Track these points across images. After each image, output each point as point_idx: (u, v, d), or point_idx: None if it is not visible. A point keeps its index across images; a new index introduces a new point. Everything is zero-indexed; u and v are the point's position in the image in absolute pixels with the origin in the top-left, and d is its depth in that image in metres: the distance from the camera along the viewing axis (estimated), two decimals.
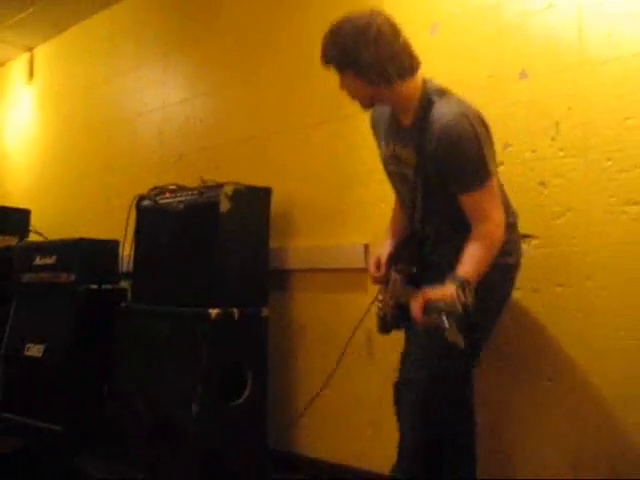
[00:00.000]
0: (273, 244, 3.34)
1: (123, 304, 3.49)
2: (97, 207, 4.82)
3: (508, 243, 2.16)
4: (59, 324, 3.83)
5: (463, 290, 1.90)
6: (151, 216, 3.39)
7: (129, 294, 3.65)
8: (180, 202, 3.23)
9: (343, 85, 2.20)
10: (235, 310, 3.02)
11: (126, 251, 3.57)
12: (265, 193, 3.27)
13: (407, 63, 2.10)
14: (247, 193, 3.15)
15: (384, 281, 2.36)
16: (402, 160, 2.23)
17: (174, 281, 3.22)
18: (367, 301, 2.97)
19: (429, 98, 2.12)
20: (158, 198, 3.37)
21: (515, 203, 2.35)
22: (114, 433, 3.33)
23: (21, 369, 4.01)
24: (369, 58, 2.04)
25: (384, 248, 2.42)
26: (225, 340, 3.00)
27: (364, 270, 3.07)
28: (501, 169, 2.45)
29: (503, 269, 2.18)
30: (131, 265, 3.51)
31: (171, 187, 3.39)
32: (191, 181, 3.38)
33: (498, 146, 2.45)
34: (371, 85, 2.11)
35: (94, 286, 3.85)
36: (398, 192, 2.39)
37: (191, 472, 2.88)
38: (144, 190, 3.49)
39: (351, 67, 2.10)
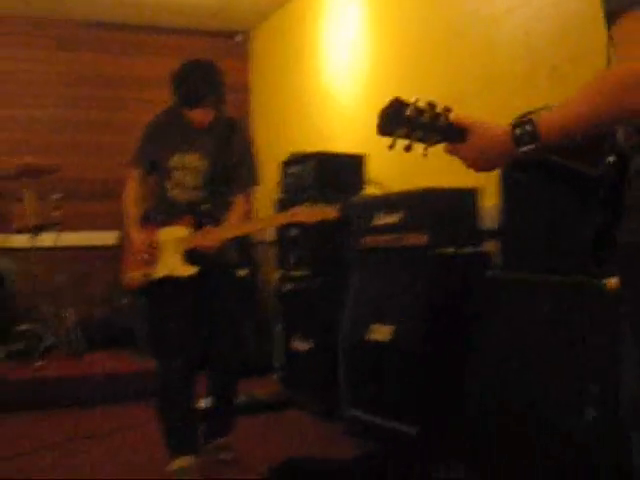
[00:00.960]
0: None
1: (488, 272, 3.63)
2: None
3: None
4: (408, 299, 4.13)
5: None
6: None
7: (496, 259, 3.78)
8: None
9: None
10: None
11: (489, 202, 3.68)
12: None
13: None
14: None
15: None
16: None
17: (557, 243, 3.26)
18: None
19: None
20: None
21: None
22: (482, 440, 3.51)
23: (365, 357, 4.43)
24: None
25: None
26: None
27: None
28: None
29: None
30: (497, 221, 3.61)
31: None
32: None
33: None
34: None
35: (450, 249, 4.07)
36: None
37: None
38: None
39: None
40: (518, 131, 1.82)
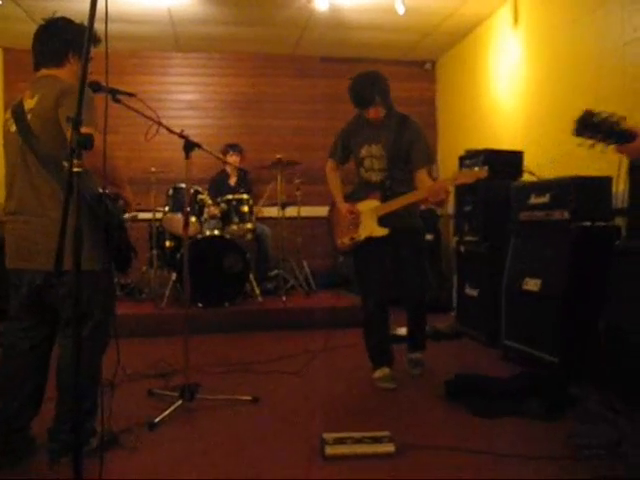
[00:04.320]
0: None
1: (619, 242, 3.48)
2: (587, 143, 4.81)
3: None
4: (554, 261, 4.03)
5: None
6: None
7: (624, 232, 3.61)
8: None
9: None
10: None
11: (620, 187, 3.53)
12: None
13: None
14: None
15: None
16: None
17: None
18: None
19: None
20: None
21: None
22: (608, 368, 3.39)
23: (520, 302, 4.36)
24: None
25: None
26: None
27: None
28: None
29: None
30: (626, 201, 3.45)
31: None
32: None
33: None
34: None
35: (587, 223, 3.93)
36: None
37: None
38: (636, 122, 3.38)
39: None
40: None
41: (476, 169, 3.68)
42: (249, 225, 6.27)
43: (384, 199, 3.87)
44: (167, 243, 6.26)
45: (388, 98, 3.92)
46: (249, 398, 3.60)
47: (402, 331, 4.49)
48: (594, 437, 2.92)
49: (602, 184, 4.00)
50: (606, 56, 4.62)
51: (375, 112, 3.88)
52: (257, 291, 6.23)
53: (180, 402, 3.40)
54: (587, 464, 2.69)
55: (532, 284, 4.22)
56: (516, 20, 6.06)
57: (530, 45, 5.86)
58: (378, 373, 3.95)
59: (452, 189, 4.68)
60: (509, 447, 2.90)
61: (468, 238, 5.37)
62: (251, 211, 6.31)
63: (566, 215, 3.98)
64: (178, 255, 5.88)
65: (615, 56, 4.52)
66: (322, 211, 4.28)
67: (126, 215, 3.12)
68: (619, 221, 3.87)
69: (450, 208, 6.27)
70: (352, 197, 4.04)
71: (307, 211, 7.19)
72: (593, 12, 4.79)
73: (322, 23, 6.71)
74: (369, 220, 3.89)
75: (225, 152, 7.11)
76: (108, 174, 2.55)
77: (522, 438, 3.04)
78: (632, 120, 3.40)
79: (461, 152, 5.63)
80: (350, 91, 3.88)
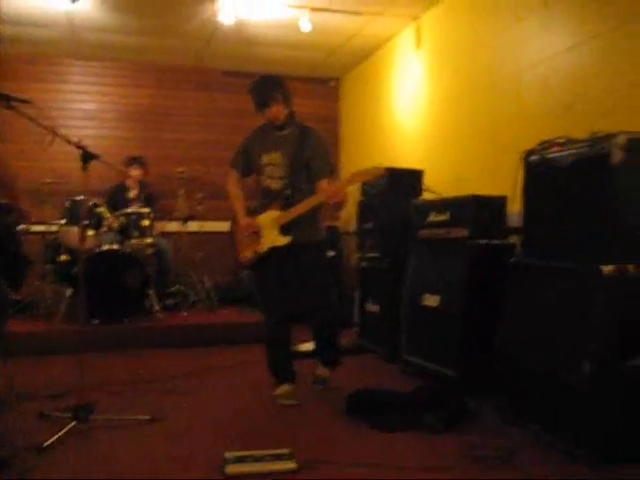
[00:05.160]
0: None
1: (512, 259, 3.59)
2: (485, 163, 5.02)
3: None
4: (453, 277, 4.14)
5: None
6: (539, 171, 3.41)
7: (518, 249, 3.75)
8: (569, 155, 3.19)
9: None
10: (630, 266, 2.90)
11: (514, 206, 3.67)
12: None
13: None
14: None
15: None
16: None
17: (564, 236, 3.21)
18: None
19: None
20: (546, 152, 3.36)
21: None
22: (504, 383, 3.50)
23: (420, 317, 4.45)
24: None
25: None
26: (619, 297, 2.91)
27: None
28: None
29: None
30: (520, 220, 3.59)
31: (559, 140, 3.35)
32: (580, 133, 3.31)
33: None
34: None
35: (484, 241, 4.07)
36: None
37: (584, 431, 2.91)
38: (530, 145, 3.53)
39: None
40: None
41: (372, 166, 3.72)
42: (149, 240, 6.13)
43: (285, 208, 3.84)
44: (63, 257, 6.02)
45: (290, 101, 3.93)
46: (147, 418, 3.49)
47: (306, 347, 4.49)
48: (490, 448, 3.01)
49: (498, 203, 4.16)
50: (503, 82, 4.83)
51: (276, 111, 3.86)
52: (157, 307, 6.10)
53: (74, 424, 3.25)
54: (483, 474, 2.77)
55: (431, 300, 4.32)
56: (419, 43, 6.24)
57: (432, 67, 6.05)
58: (279, 390, 3.93)
59: (353, 189, 4.70)
60: (409, 459, 2.94)
61: (370, 254, 5.44)
62: (152, 225, 6.17)
63: (464, 233, 4.10)
64: (74, 270, 5.66)
65: (512, 82, 4.73)
66: (225, 226, 4.23)
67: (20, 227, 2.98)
68: (514, 239, 4.02)
69: (352, 225, 6.36)
70: (256, 210, 4.01)
71: (210, 226, 7.11)
72: (493, 40, 5.01)
73: (227, 37, 6.68)
74: (271, 230, 3.86)
75: (128, 164, 6.92)
76: (6, 184, 2.43)
77: (421, 450, 3.08)
78: (527, 143, 3.57)
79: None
80: (251, 91, 3.88)
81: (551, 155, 3.33)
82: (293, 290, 3.97)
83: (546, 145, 3.42)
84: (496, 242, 4.08)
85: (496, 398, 3.55)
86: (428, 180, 5.40)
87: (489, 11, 5.05)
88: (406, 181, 5.28)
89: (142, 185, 6.85)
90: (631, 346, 2.94)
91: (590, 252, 3.01)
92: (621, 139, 2.93)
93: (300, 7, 5.93)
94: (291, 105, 3.96)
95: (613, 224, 2.95)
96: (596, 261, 2.93)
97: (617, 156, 2.92)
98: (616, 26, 3.75)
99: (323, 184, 3.81)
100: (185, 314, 6.13)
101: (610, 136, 2.99)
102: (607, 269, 2.88)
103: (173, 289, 6.77)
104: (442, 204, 4.43)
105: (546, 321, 3.21)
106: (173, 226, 6.73)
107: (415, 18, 6.22)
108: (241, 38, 6.72)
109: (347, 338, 5.64)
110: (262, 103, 3.86)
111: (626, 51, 3.67)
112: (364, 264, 5.56)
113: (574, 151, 3.17)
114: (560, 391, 3.04)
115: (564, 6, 4.19)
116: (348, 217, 7.10)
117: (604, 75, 3.84)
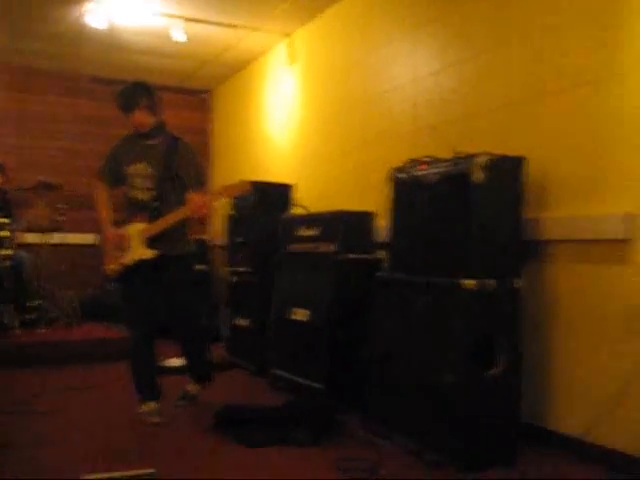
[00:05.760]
0: (528, 214, 3.31)
1: (379, 273, 3.67)
2: (355, 180, 5.11)
3: None
4: (321, 291, 4.17)
5: None
6: (406, 188, 3.51)
7: (385, 264, 3.84)
8: (434, 174, 3.31)
9: None
10: (489, 281, 3.04)
11: (382, 222, 3.75)
12: (519, 162, 3.24)
13: None
14: (500, 163, 3.14)
15: None
16: None
17: (429, 251, 3.32)
18: (627, 273, 2.91)
19: None
20: (413, 170, 3.48)
21: None
22: (371, 395, 3.56)
23: (289, 331, 4.45)
24: None
25: None
26: (479, 311, 3.05)
27: (623, 241, 2.99)
28: None
29: None
30: (387, 236, 3.67)
31: (425, 159, 3.48)
32: (445, 152, 3.45)
33: None
34: None
35: (352, 256, 4.13)
36: None
37: (447, 437, 3.01)
38: (399, 163, 3.65)
39: None
40: None
41: (239, 181, 3.68)
42: (8, 251, 5.77)
43: (152, 220, 3.72)
44: None
45: (158, 110, 3.84)
46: None
47: (175, 362, 4.37)
48: (359, 461, 3.04)
49: (367, 219, 4.25)
50: (374, 100, 4.95)
51: (140, 117, 3.76)
52: (15, 323, 5.75)
53: None
54: None
55: (300, 314, 4.33)
56: (292, 58, 6.28)
57: (304, 83, 6.10)
58: (144, 407, 3.78)
59: (223, 202, 4.62)
60: (277, 474, 2.92)
61: (239, 269, 5.39)
62: (12, 236, 5.82)
63: (332, 248, 4.15)
64: None
65: (382, 100, 4.86)
66: (90, 238, 4.05)
67: None
68: (381, 254, 4.10)
69: (222, 239, 6.30)
70: (123, 222, 3.87)
71: (74, 238, 6.79)
72: (365, 58, 5.12)
73: (97, 42, 6.42)
74: (137, 243, 3.73)
75: None
76: None
77: (290, 465, 3.07)
78: (396, 161, 3.68)
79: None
80: (117, 96, 3.77)
81: (417, 173, 3.44)
82: (159, 304, 3.87)
83: (413, 163, 3.54)
84: (364, 257, 4.16)
85: (365, 410, 3.60)
86: (299, 195, 5.44)
87: (361, 31, 5.16)
88: (276, 195, 5.30)
89: (1, 193, 6.44)
90: (490, 356, 3.09)
91: (452, 267, 3.13)
92: (482, 159, 3.08)
93: (174, 16, 5.81)
94: (160, 114, 3.86)
95: (473, 240, 3.08)
96: (457, 276, 3.05)
97: (478, 175, 3.06)
98: (475, 54, 3.94)
99: (191, 196, 3.71)
100: (43, 330, 5.80)
101: (472, 156, 3.14)
102: (467, 284, 3.00)
103: (32, 304, 6.38)
104: (311, 219, 4.47)
105: (411, 334, 3.30)
106: (34, 237, 6.36)
107: (289, 34, 6.26)
108: (112, 44, 6.49)
109: (216, 353, 5.55)
110: (126, 107, 3.76)
111: (485, 77, 3.87)
112: (234, 278, 5.51)
113: (439, 170, 3.29)
114: (424, 401, 3.13)
115: (431, 32, 4.36)
116: (218, 230, 7.03)
117: (466, 99, 4.02)
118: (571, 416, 3.24)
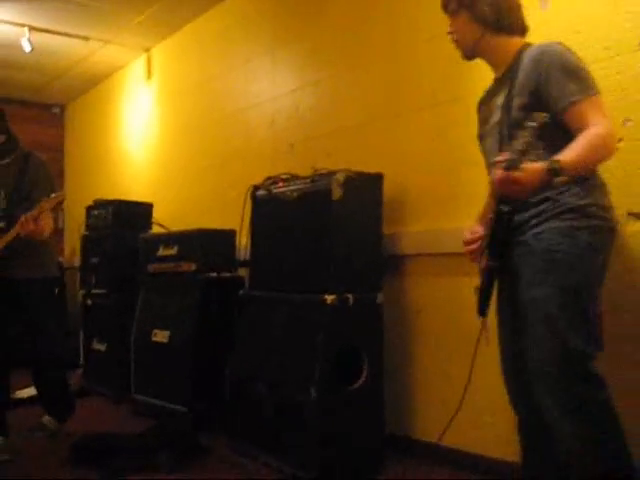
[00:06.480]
0: (386, 230, 3.40)
1: (241, 292, 3.63)
2: (215, 198, 5.05)
3: (608, 210, 2.10)
4: (182, 311, 4.08)
5: (554, 173, 1.86)
6: (266, 205, 3.52)
7: (247, 282, 3.81)
8: (293, 191, 3.32)
9: (452, 29, 2.32)
10: (350, 296, 3.09)
11: (243, 240, 3.72)
12: (377, 179, 3.32)
13: (520, 22, 2.26)
14: (359, 180, 3.20)
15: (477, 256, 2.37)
16: (490, 114, 2.27)
17: (290, 268, 3.32)
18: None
19: (523, 50, 2.18)
20: (272, 188, 3.49)
21: (635, 181, 2.30)
22: (236, 415, 3.50)
23: (150, 354, 4.30)
24: (488, 4, 2.19)
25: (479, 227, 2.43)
26: (341, 325, 3.08)
27: None
28: (620, 145, 2.40)
29: (607, 231, 2.08)
30: (248, 254, 3.65)
31: (284, 176, 3.49)
32: (304, 170, 3.47)
33: (618, 120, 2.42)
34: (481, 30, 2.22)
35: (213, 274, 4.06)
36: (487, 160, 2.37)
37: (311, 453, 3.00)
38: (259, 180, 3.64)
39: (468, 9, 2.22)
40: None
41: (53, 195, 3.48)
42: None
43: None
44: None
45: (5, 126, 3.63)
46: None
47: (28, 393, 4.11)
48: None
49: (227, 237, 4.20)
50: (233, 117, 4.93)
51: None
52: None
53: None
54: None
55: (161, 335, 4.20)
56: (149, 74, 6.14)
57: (162, 99, 5.98)
58: None
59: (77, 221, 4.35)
60: None
61: (96, 291, 5.15)
62: None
63: (193, 267, 4.07)
64: None
65: (240, 118, 4.84)
66: None
67: None
68: (242, 272, 4.07)
69: (76, 260, 6.02)
70: None
71: None
72: (222, 76, 5.09)
73: None
74: None
75: None
76: None
77: None
78: (255, 178, 3.66)
79: (90, 202, 5.45)
80: None
81: (276, 190, 3.45)
82: (9, 330, 3.62)
83: (272, 181, 3.54)
84: (226, 275, 4.11)
85: (229, 430, 3.53)
86: (158, 213, 5.30)
87: (220, 48, 5.13)
88: (134, 214, 5.13)
89: None
90: (353, 370, 3.12)
91: (313, 283, 3.15)
92: (340, 176, 3.12)
93: (19, 25, 5.49)
94: (9, 131, 3.64)
95: (333, 256, 3.11)
96: (318, 292, 3.07)
97: (337, 192, 3.10)
98: (333, 73, 4.02)
99: (20, 215, 3.44)
100: None
101: (330, 174, 3.18)
102: (328, 299, 3.03)
103: None
104: (171, 238, 4.36)
105: (276, 350, 3.28)
106: None
107: (147, 49, 6.11)
108: None
109: (72, 380, 5.26)
110: None
111: (343, 96, 3.95)
112: (89, 301, 5.25)
113: (298, 187, 3.32)
114: (289, 417, 3.11)
115: (290, 51, 4.40)
116: (72, 251, 6.71)
117: (324, 117, 4.08)
118: (429, 423, 3.34)
